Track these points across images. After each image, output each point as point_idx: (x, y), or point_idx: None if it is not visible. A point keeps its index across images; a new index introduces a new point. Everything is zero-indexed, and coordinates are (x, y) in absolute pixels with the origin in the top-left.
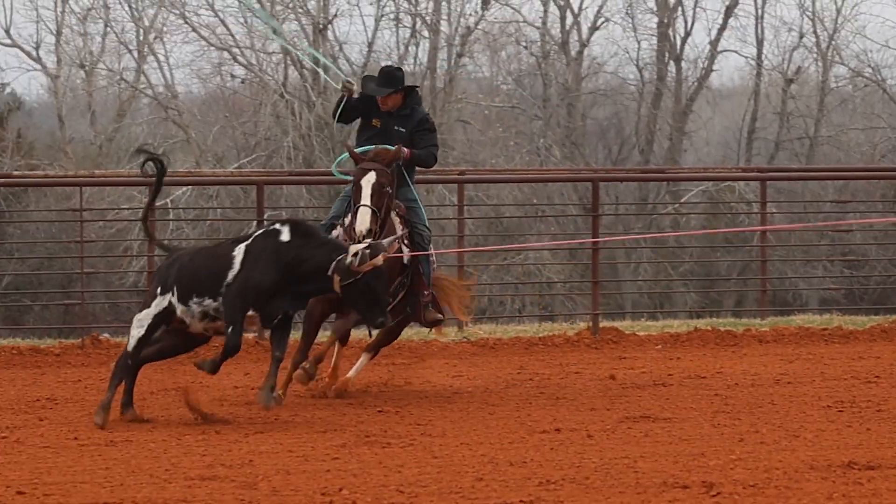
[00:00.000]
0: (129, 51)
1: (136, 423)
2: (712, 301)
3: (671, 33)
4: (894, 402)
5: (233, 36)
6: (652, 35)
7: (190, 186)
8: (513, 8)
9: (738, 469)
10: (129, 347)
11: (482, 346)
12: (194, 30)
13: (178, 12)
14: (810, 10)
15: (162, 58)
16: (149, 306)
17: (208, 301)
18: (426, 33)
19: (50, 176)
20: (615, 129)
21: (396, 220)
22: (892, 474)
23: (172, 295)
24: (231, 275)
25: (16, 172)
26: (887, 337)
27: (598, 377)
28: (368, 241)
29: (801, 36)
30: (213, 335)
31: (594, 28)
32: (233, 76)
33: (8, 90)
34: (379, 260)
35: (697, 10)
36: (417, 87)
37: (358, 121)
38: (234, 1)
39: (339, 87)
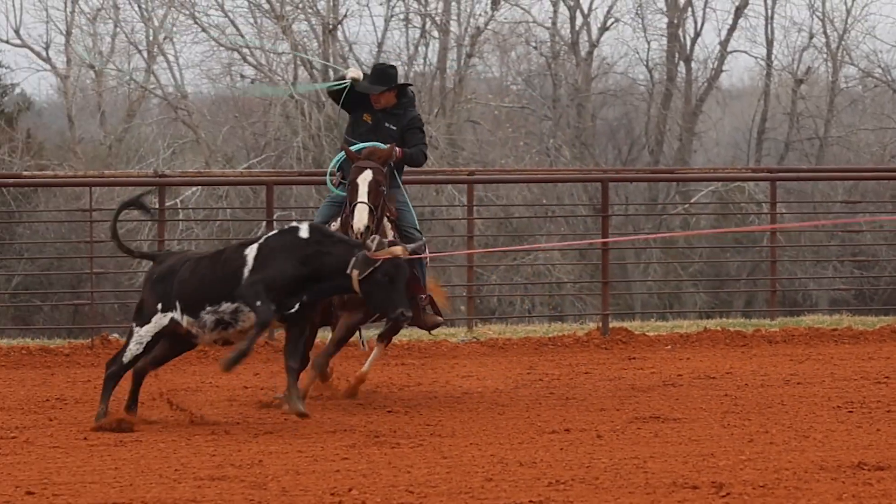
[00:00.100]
0: (139, 51)
1: (144, 423)
2: (722, 301)
3: (681, 34)
4: None
5: (242, 36)
6: (662, 35)
7: (199, 187)
8: (523, 8)
9: (748, 469)
10: (124, 360)
11: (492, 347)
12: (204, 30)
13: (187, 13)
14: (820, 10)
15: (172, 58)
16: (148, 322)
17: (225, 305)
18: (436, 34)
19: (60, 176)
20: (625, 130)
21: (388, 224)
22: None
23: (175, 311)
24: (247, 271)
25: (25, 173)
26: None
27: (607, 377)
28: (376, 237)
29: (811, 36)
30: (223, 346)
31: (604, 28)
32: (242, 76)
33: (18, 90)
34: (398, 250)
35: (707, 10)
36: (411, 84)
37: (349, 117)
38: (243, 1)
39: (348, 76)
